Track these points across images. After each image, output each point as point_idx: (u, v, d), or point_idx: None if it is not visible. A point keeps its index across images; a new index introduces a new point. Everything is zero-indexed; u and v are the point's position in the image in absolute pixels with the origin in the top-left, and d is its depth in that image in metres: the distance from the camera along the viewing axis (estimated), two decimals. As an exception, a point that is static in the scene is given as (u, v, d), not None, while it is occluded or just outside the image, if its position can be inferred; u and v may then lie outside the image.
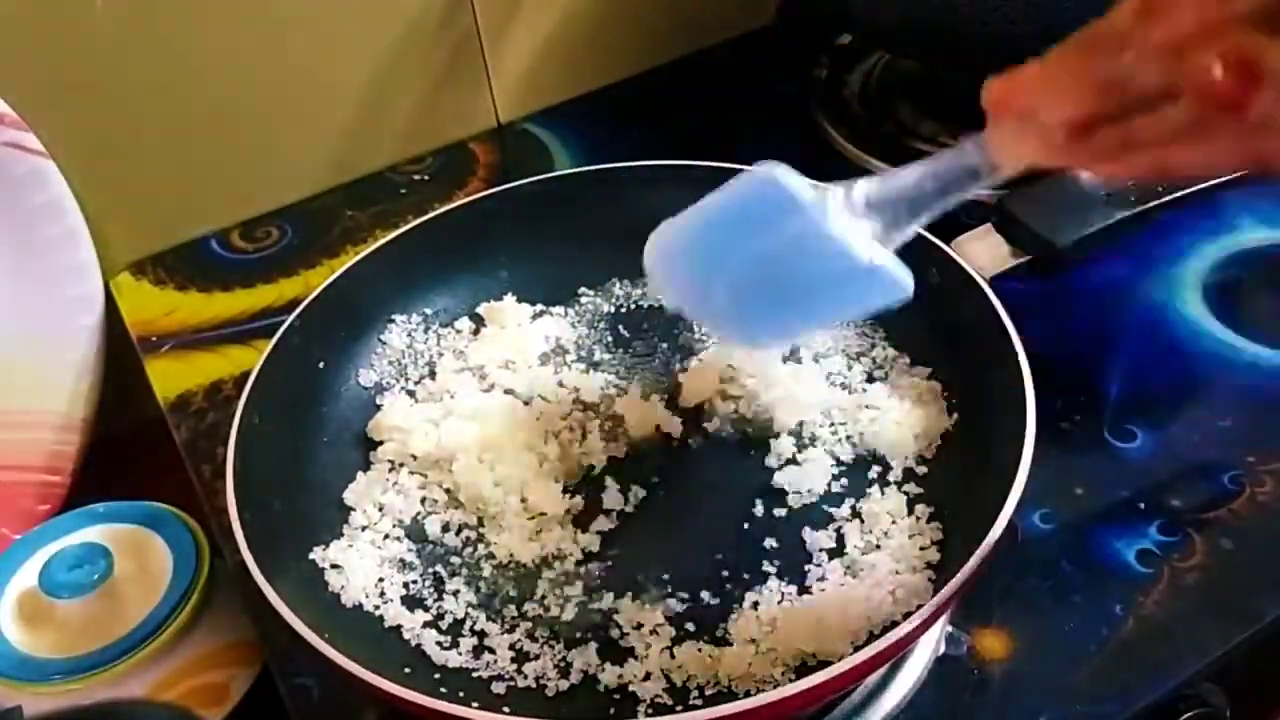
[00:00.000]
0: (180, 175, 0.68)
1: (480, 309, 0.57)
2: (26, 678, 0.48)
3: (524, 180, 0.57)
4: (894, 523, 0.45)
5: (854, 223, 0.38)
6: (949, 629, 0.45)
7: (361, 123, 0.72)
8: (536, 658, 0.42)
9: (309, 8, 0.66)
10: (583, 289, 0.58)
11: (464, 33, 0.72)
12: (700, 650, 0.42)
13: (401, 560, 0.47)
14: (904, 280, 0.39)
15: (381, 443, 0.51)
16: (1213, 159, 0.32)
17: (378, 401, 0.53)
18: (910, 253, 0.49)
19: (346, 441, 0.51)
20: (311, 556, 0.45)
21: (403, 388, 0.54)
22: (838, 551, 0.45)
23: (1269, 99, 0.28)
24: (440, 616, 0.44)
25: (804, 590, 0.44)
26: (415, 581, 0.46)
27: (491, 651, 0.43)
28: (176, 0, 0.62)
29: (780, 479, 0.47)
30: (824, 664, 0.37)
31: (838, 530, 0.46)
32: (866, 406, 0.50)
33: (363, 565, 0.45)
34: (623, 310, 0.57)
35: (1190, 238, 0.61)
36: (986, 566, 0.37)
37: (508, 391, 0.53)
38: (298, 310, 0.51)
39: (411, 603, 0.45)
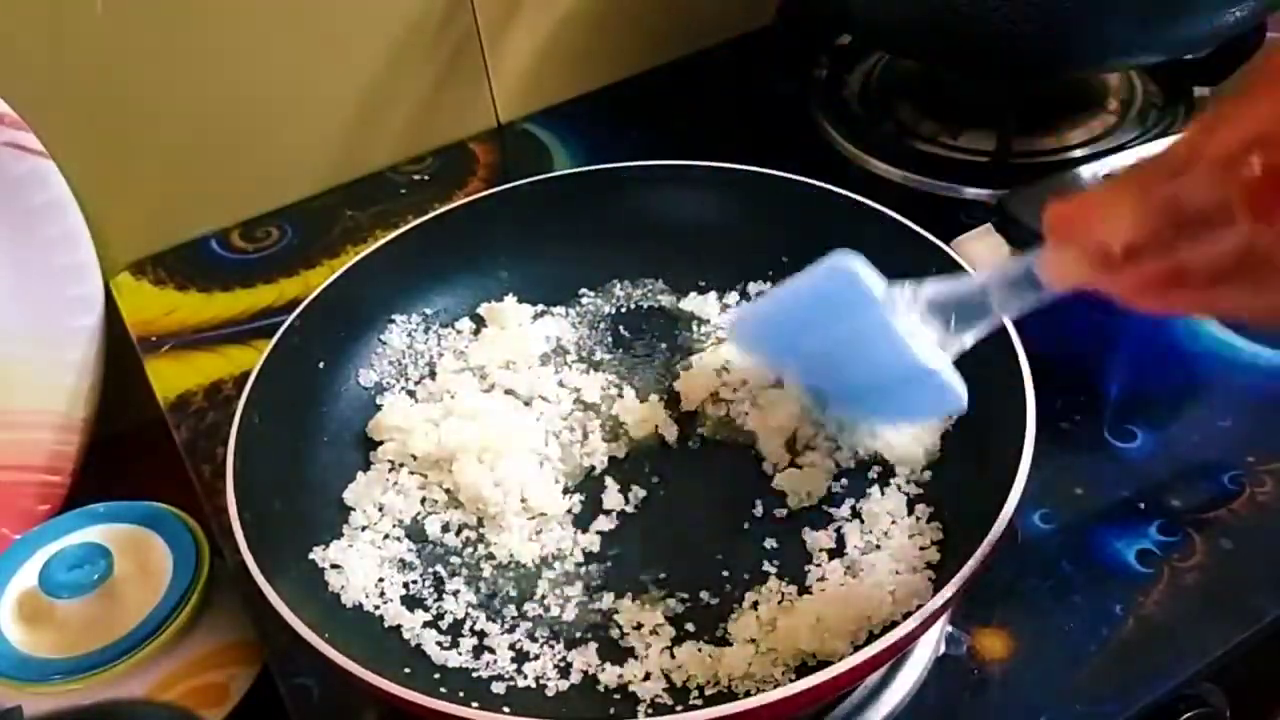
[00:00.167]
0: (180, 175, 0.68)
1: (481, 309, 0.57)
2: (26, 678, 0.48)
3: (524, 180, 0.57)
4: (894, 523, 0.45)
5: (918, 324, 0.40)
6: (949, 629, 0.45)
7: (361, 122, 0.72)
8: (536, 658, 0.42)
9: (309, 8, 0.66)
10: (583, 290, 0.58)
11: (464, 33, 0.72)
12: (700, 650, 0.42)
13: (401, 560, 0.47)
14: (959, 391, 0.40)
15: (381, 443, 0.51)
16: (1258, 305, 0.32)
17: (378, 401, 0.53)
18: (911, 252, 0.49)
19: (346, 441, 0.51)
20: (311, 556, 0.45)
21: (403, 388, 0.54)
22: (838, 551, 0.45)
23: None
24: (440, 616, 0.44)
25: (804, 590, 0.44)
26: (415, 581, 0.46)
27: (491, 651, 0.43)
28: (177, 1, 0.62)
29: (780, 480, 0.47)
30: (824, 664, 0.37)
31: (838, 530, 0.46)
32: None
33: (363, 565, 0.45)
34: (623, 311, 0.57)
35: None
36: (986, 566, 0.37)
37: (508, 392, 0.53)
38: (298, 310, 0.51)
39: (411, 603, 0.45)
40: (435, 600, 0.45)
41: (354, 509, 0.48)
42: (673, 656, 0.42)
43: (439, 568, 0.46)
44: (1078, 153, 0.66)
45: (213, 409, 0.59)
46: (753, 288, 0.56)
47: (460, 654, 0.43)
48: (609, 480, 0.49)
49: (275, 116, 0.69)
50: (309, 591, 0.44)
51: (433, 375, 0.54)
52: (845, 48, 0.78)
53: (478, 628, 0.44)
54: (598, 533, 0.47)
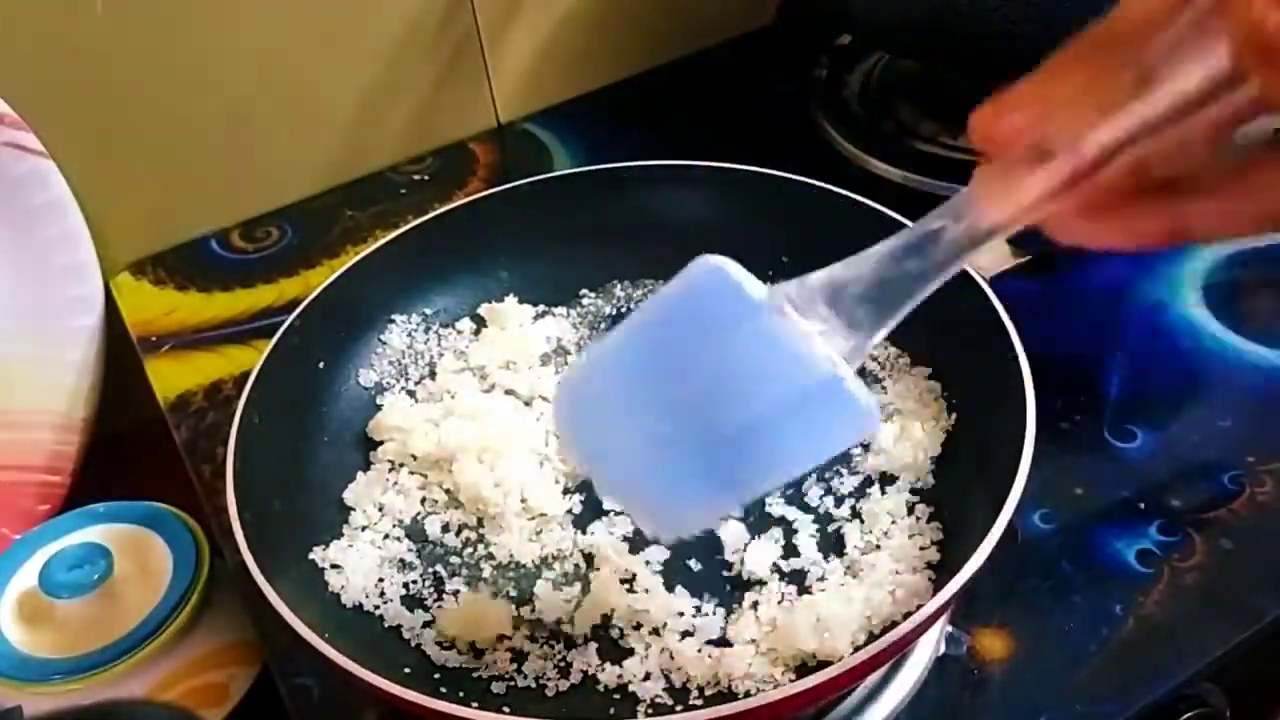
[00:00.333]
0: (180, 175, 0.68)
1: (482, 310, 0.57)
2: (26, 678, 0.48)
3: (524, 180, 0.57)
4: (894, 523, 0.45)
5: (810, 327, 0.30)
6: (949, 629, 0.45)
7: (362, 122, 0.72)
8: (536, 658, 0.42)
9: (309, 7, 0.66)
10: (584, 290, 0.58)
11: (464, 33, 0.72)
12: (700, 650, 0.42)
13: (401, 560, 0.47)
14: (868, 406, 0.31)
15: (382, 443, 0.51)
16: (1235, 216, 0.27)
17: (378, 401, 0.53)
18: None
19: (346, 441, 0.51)
20: (311, 556, 0.45)
21: (403, 388, 0.54)
22: (838, 551, 0.45)
23: None
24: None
25: (804, 590, 0.44)
26: (415, 582, 0.46)
27: (491, 651, 0.43)
28: (177, 1, 0.62)
29: (780, 480, 0.47)
30: (824, 664, 0.37)
31: (838, 530, 0.46)
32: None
33: (363, 565, 0.45)
34: (624, 311, 0.57)
35: (1190, 238, 0.61)
36: (986, 566, 0.37)
37: (508, 392, 0.53)
38: (298, 310, 0.51)
39: (411, 603, 0.45)
40: (435, 600, 0.45)
41: (354, 509, 0.48)
42: (673, 657, 0.42)
43: (439, 568, 0.46)
44: (1078, 153, 0.66)
45: (213, 409, 0.59)
46: (753, 288, 0.56)
47: (460, 654, 0.43)
48: (609, 480, 0.49)
49: (275, 116, 0.69)
50: (309, 591, 0.44)
51: (433, 375, 0.54)
52: (845, 48, 0.78)
53: (478, 628, 0.44)
54: (597, 533, 0.47)
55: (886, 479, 0.47)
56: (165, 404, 0.60)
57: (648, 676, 0.41)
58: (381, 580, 0.46)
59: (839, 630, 0.40)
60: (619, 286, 0.58)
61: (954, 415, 0.48)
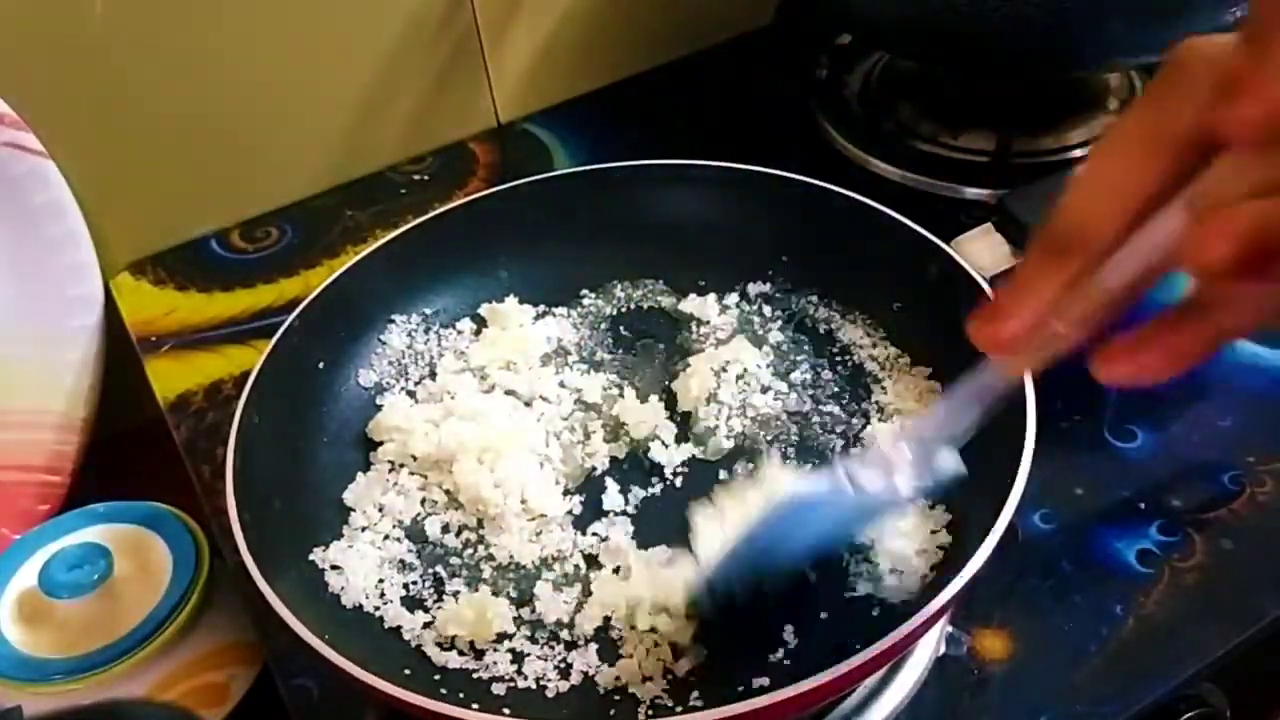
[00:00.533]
0: (180, 175, 0.68)
1: (482, 310, 0.57)
2: (26, 678, 0.48)
3: (524, 180, 0.57)
4: (894, 523, 0.45)
5: (885, 480, 0.38)
6: (949, 629, 0.45)
7: (361, 123, 0.72)
8: (536, 659, 0.42)
9: (309, 7, 0.66)
10: (584, 291, 0.58)
11: (464, 33, 0.72)
12: (700, 651, 0.42)
13: (401, 561, 0.47)
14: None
15: (382, 443, 0.51)
16: (1262, 307, 0.28)
17: (378, 402, 0.53)
18: (911, 252, 0.49)
19: (346, 442, 0.51)
20: (311, 557, 0.45)
21: (403, 388, 0.54)
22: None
23: None
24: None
25: (804, 590, 0.44)
26: (415, 582, 0.46)
27: (491, 653, 0.43)
28: (177, 1, 0.62)
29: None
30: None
31: (838, 530, 0.46)
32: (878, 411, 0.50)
33: (363, 566, 0.45)
34: (624, 312, 0.57)
35: (1190, 238, 0.61)
36: (986, 567, 0.37)
37: (509, 392, 0.53)
38: (298, 310, 0.51)
39: (411, 604, 0.45)
40: (435, 601, 0.45)
41: (354, 509, 0.48)
42: (673, 657, 0.42)
43: (439, 569, 0.46)
44: (1078, 152, 0.66)
45: (213, 409, 0.59)
46: (752, 288, 0.56)
47: (460, 655, 0.43)
48: (609, 481, 0.49)
49: (275, 116, 0.69)
50: (309, 592, 0.44)
51: (433, 375, 0.54)
52: (845, 48, 0.78)
53: (478, 628, 0.44)
54: (597, 534, 0.47)
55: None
56: (165, 404, 0.60)
57: (648, 678, 0.41)
58: (381, 581, 0.46)
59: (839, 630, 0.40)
60: (619, 286, 0.58)
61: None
